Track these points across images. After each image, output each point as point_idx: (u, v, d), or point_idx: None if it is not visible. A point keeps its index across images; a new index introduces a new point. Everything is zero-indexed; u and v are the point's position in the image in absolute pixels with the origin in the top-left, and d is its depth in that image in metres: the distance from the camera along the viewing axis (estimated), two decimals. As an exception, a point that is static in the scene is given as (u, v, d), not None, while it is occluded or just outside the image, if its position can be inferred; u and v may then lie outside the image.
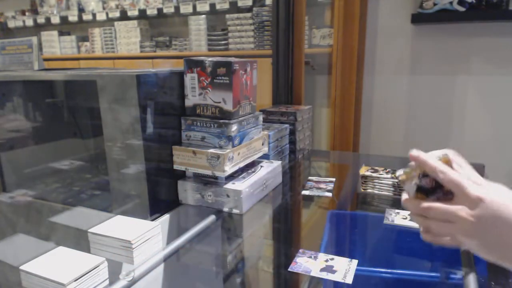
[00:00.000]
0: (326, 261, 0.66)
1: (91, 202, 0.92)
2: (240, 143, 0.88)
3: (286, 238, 0.85)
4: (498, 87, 2.01)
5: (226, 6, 2.78)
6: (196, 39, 2.92)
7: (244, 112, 0.91)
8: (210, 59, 0.86)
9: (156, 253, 0.67)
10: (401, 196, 0.48)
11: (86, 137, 0.94)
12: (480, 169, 1.20)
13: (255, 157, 0.97)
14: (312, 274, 0.62)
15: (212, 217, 0.83)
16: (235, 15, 2.71)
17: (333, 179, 1.10)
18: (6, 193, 1.02)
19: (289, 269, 0.64)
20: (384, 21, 2.19)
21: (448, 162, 0.46)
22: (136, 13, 3.20)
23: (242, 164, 0.90)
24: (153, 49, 3.18)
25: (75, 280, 0.53)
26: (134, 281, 0.60)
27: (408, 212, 0.68)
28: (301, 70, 1.56)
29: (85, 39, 3.58)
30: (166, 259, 0.68)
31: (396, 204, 0.94)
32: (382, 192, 0.99)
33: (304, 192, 1.01)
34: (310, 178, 1.11)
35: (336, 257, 0.67)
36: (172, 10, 3.02)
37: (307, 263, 0.65)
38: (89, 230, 0.66)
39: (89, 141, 0.94)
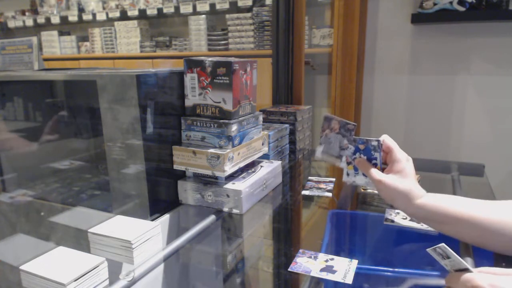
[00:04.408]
0: (326, 261, 0.66)
1: (91, 202, 0.92)
2: (240, 143, 0.88)
3: (286, 238, 0.85)
4: (498, 87, 2.02)
5: (226, 6, 2.78)
6: (196, 39, 2.92)
7: (244, 112, 0.91)
8: (210, 59, 0.86)
9: (156, 253, 0.67)
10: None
11: (86, 137, 0.94)
12: (480, 169, 1.20)
13: (255, 157, 0.97)
14: (312, 274, 0.62)
15: (212, 217, 0.83)
16: (235, 15, 2.71)
17: (333, 179, 1.10)
18: (6, 193, 1.02)
19: (289, 269, 0.64)
20: (384, 21, 2.19)
21: None
22: (136, 13, 3.20)
23: (242, 164, 0.90)
24: (153, 49, 3.18)
25: (75, 280, 0.53)
26: (134, 281, 0.60)
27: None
28: (301, 70, 1.56)
29: (85, 39, 3.58)
30: (166, 259, 0.68)
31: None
32: (382, 192, 0.99)
33: (304, 192, 1.01)
34: (310, 178, 1.11)
35: (336, 257, 0.67)
36: (172, 10, 3.02)
37: (307, 263, 0.65)
38: (89, 230, 0.66)
39: (89, 141, 0.94)
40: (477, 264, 0.62)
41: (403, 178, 0.66)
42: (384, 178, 0.67)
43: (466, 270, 0.47)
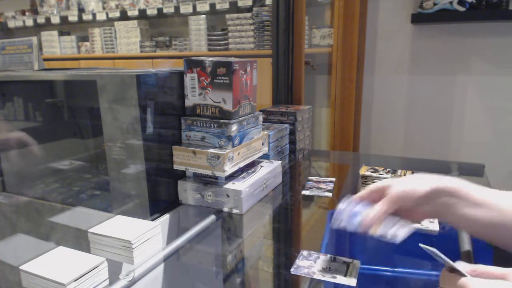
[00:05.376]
0: (328, 262, 0.66)
1: (91, 202, 0.92)
2: (240, 143, 0.88)
3: (286, 238, 0.85)
4: (498, 87, 2.02)
5: (226, 6, 2.78)
6: (196, 39, 2.92)
7: (244, 112, 0.91)
8: (210, 59, 0.86)
9: (156, 253, 0.67)
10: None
11: (86, 137, 0.94)
12: (480, 169, 1.20)
13: (255, 157, 0.97)
14: (316, 277, 0.62)
15: (212, 217, 0.83)
16: (235, 15, 2.71)
17: (333, 179, 1.10)
18: (6, 193, 1.02)
19: (291, 271, 0.64)
20: (384, 21, 2.19)
21: None
22: (136, 13, 3.20)
23: (242, 164, 0.90)
24: (153, 49, 3.18)
25: (75, 280, 0.53)
26: (134, 281, 0.60)
27: None
28: (301, 70, 1.56)
29: (85, 39, 3.58)
30: (166, 259, 0.68)
31: (396, 204, 0.94)
32: (382, 192, 0.99)
33: (304, 192, 1.01)
34: (310, 178, 1.11)
35: (338, 258, 0.67)
36: (172, 10, 3.02)
37: (309, 266, 0.65)
38: (89, 230, 0.66)
39: (89, 141, 0.94)
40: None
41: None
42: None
43: (460, 272, 0.46)
